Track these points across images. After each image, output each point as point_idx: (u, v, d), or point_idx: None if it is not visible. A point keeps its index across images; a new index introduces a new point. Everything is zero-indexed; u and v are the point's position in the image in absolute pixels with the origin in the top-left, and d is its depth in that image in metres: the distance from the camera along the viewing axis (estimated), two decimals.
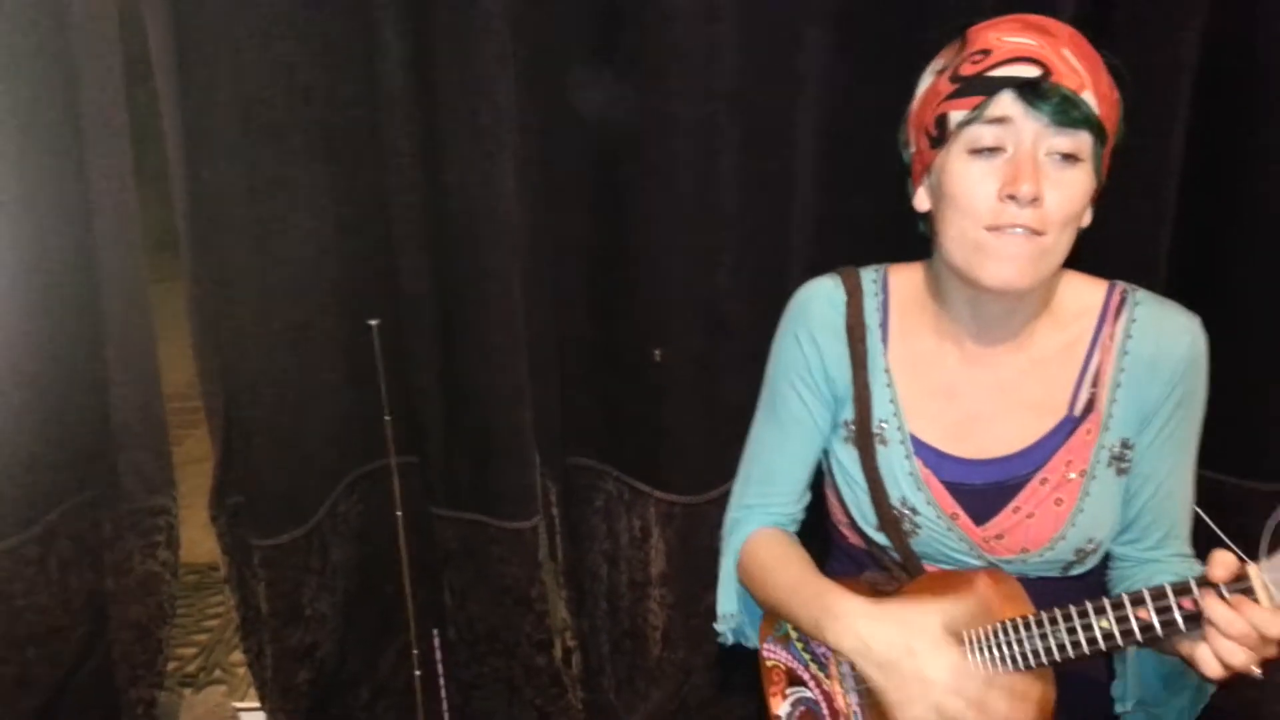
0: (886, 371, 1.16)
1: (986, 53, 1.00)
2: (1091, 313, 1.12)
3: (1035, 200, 0.97)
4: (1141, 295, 1.12)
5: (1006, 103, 0.99)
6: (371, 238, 1.46)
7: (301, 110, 1.37)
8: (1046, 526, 1.11)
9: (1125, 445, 1.11)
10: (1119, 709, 1.14)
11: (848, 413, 1.18)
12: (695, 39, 1.30)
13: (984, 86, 0.99)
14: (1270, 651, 0.91)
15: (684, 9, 1.29)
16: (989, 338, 1.12)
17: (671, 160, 1.36)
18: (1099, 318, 1.12)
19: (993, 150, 1.00)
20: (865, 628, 1.06)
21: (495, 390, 1.47)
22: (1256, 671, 0.91)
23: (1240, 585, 0.90)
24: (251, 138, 1.35)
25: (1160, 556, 1.14)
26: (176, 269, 1.44)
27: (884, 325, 1.17)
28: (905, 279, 1.18)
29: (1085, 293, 1.13)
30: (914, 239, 1.15)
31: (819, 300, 1.19)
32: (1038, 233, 0.99)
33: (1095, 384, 1.11)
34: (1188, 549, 1.14)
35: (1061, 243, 1.01)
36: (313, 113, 1.38)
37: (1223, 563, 0.91)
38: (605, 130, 1.39)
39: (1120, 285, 1.13)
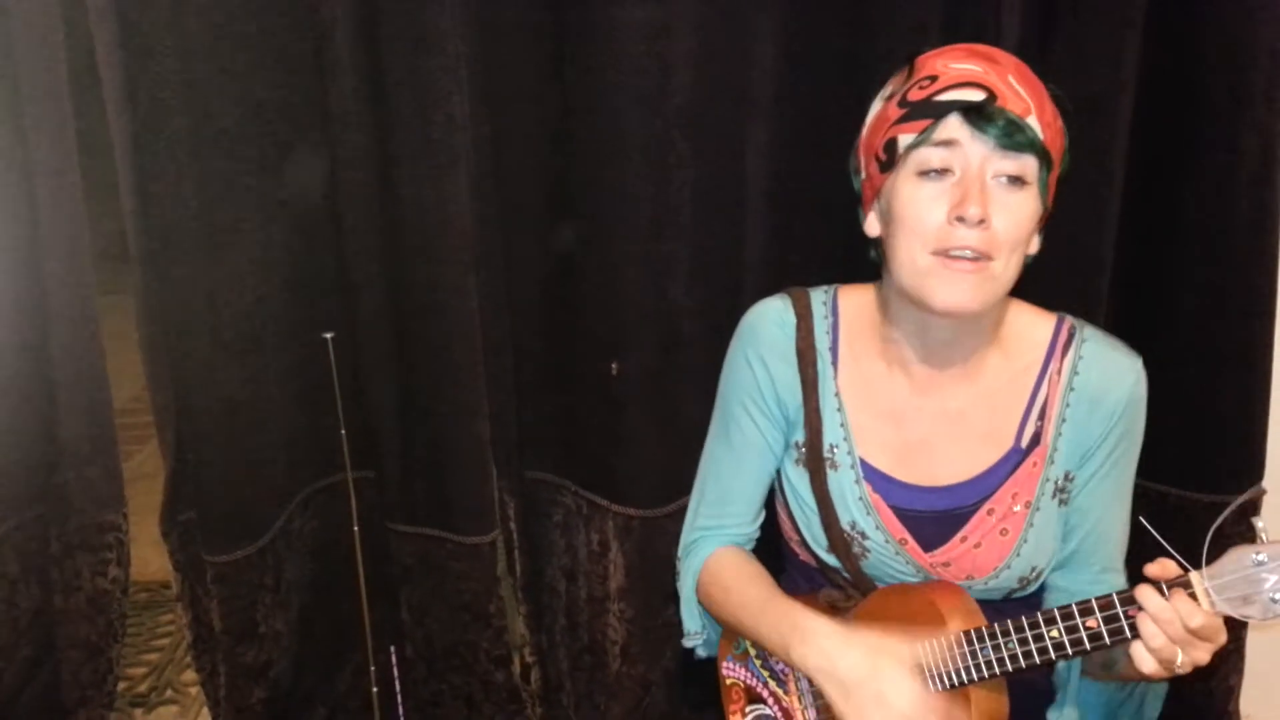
0: (837, 395, 1.17)
1: (934, 78, 1.02)
2: (1040, 346, 1.14)
3: (983, 222, 0.99)
4: (1089, 332, 1.14)
5: (954, 125, 1.00)
6: (325, 251, 1.46)
7: (252, 122, 1.36)
8: (992, 555, 1.13)
9: (1067, 478, 1.14)
10: None
11: (799, 435, 1.18)
12: (647, 55, 1.31)
13: (931, 110, 1.01)
14: (1198, 652, 0.94)
15: (635, 26, 1.29)
16: (937, 363, 1.12)
17: (625, 174, 1.36)
18: (1047, 351, 1.14)
19: (941, 172, 1.01)
20: (832, 648, 1.06)
21: (452, 404, 1.46)
22: (1178, 666, 0.94)
23: (1178, 582, 0.93)
24: (202, 149, 1.34)
25: (1097, 588, 1.14)
26: (126, 281, 1.42)
27: (834, 349, 1.18)
28: (855, 301, 1.19)
29: (1034, 325, 1.15)
30: (866, 254, 1.16)
31: (768, 323, 1.19)
32: (986, 256, 1.00)
33: (1042, 417, 1.13)
34: (1123, 581, 1.16)
35: (1010, 268, 1.03)
36: (264, 124, 1.37)
37: (1164, 565, 0.94)
38: (559, 144, 1.39)
39: (1068, 320, 1.15)
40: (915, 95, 1.03)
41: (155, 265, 1.39)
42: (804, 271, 1.28)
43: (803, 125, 1.38)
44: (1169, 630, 0.92)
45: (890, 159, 1.05)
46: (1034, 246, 1.08)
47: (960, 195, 1.00)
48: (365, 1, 1.31)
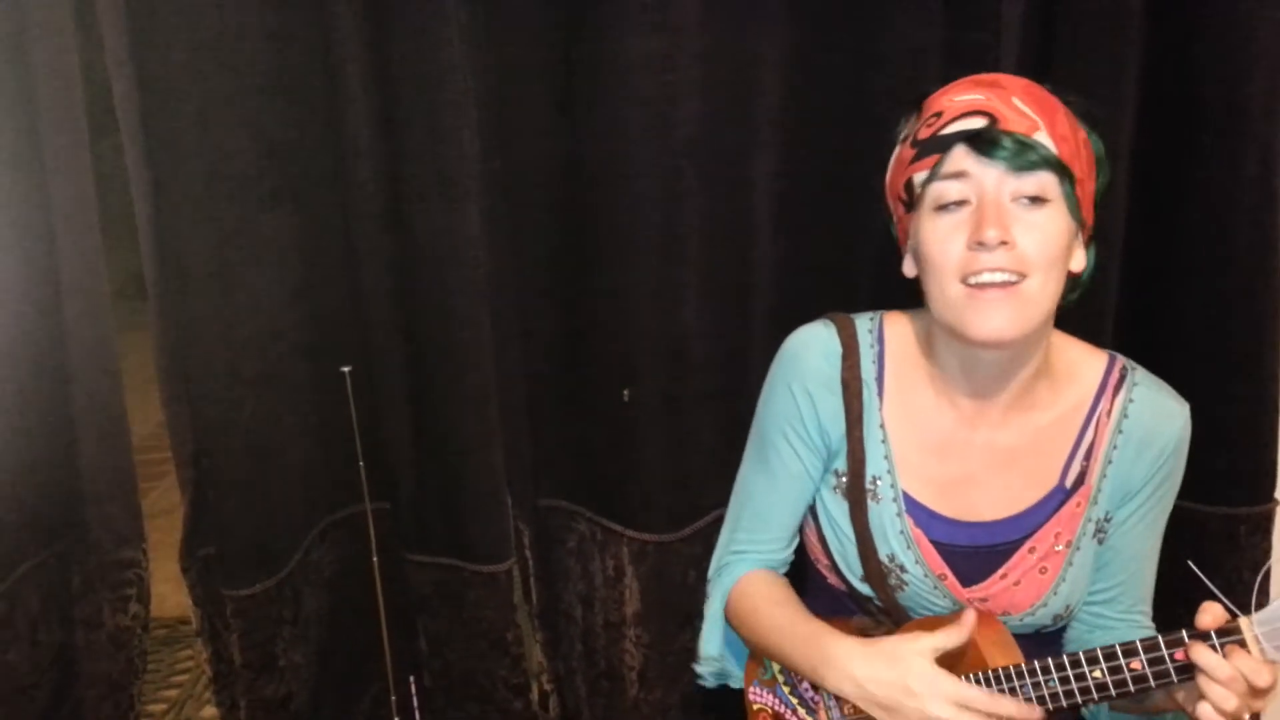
0: (881, 427, 1.14)
1: (939, 115, 1.03)
2: (1090, 385, 1.12)
3: (1005, 244, 0.97)
4: (1140, 375, 1.13)
5: (961, 157, 1.00)
6: (339, 285, 1.47)
7: (267, 161, 1.38)
8: (1030, 593, 1.12)
9: (1106, 519, 1.13)
10: None
11: (840, 464, 1.16)
12: (654, 86, 1.33)
13: (937, 145, 1.01)
14: (1261, 704, 0.92)
15: (641, 58, 1.32)
16: (984, 396, 1.11)
17: (634, 204, 1.38)
18: (1098, 390, 1.12)
19: (958, 204, 1.01)
20: (861, 671, 1.04)
21: (466, 434, 1.47)
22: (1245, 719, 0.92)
23: (1232, 639, 0.91)
24: (217, 188, 1.36)
25: (1126, 625, 1.16)
26: (144, 317, 1.43)
27: (879, 379, 1.15)
28: (901, 330, 1.17)
29: (1085, 362, 1.13)
30: (871, 280, 1.17)
31: (813, 353, 1.16)
32: (1019, 275, 0.98)
33: (1088, 457, 1.12)
34: (1148, 618, 1.17)
35: (1048, 288, 1.01)
36: (279, 163, 1.39)
37: (1212, 612, 0.92)
38: (568, 176, 1.41)
39: (1120, 359, 1.14)
40: (924, 134, 1.03)
41: (172, 302, 1.41)
42: (813, 295, 1.29)
43: (808, 151, 1.40)
44: (1235, 689, 0.90)
45: (910, 199, 1.05)
46: (1079, 263, 1.06)
47: (977, 220, 0.99)
48: (376, 41, 1.34)
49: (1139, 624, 1.16)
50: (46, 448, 1.45)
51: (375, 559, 1.51)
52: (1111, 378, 1.13)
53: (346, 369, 1.44)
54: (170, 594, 1.84)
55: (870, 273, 1.38)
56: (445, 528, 1.54)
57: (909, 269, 1.10)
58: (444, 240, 1.39)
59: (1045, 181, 0.99)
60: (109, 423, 1.48)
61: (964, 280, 1.00)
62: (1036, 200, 0.99)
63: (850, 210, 1.38)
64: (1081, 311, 1.32)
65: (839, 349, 1.15)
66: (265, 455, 1.47)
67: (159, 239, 1.38)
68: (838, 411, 1.15)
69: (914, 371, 1.15)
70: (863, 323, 1.17)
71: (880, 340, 1.16)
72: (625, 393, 1.47)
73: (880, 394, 1.15)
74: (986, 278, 0.99)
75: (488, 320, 1.43)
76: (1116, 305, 1.42)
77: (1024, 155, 0.98)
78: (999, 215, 0.98)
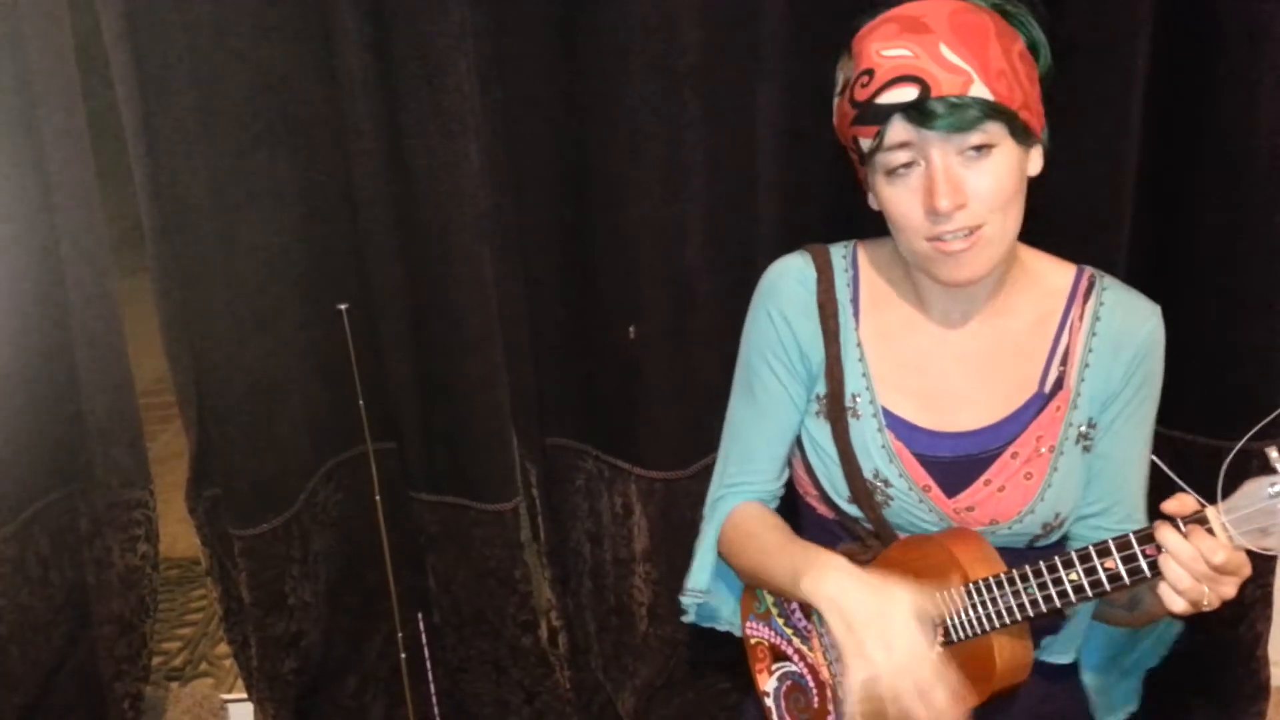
0: (858, 346, 1.17)
1: (871, 73, 1.02)
2: (1060, 293, 1.15)
3: (959, 206, 1.00)
4: (1108, 281, 1.16)
5: (899, 128, 1.01)
6: (338, 224, 1.46)
7: (261, 98, 1.36)
8: (1016, 499, 1.14)
9: (1090, 424, 1.15)
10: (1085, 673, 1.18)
11: (820, 387, 1.19)
12: (654, 14, 1.29)
13: (874, 115, 1.02)
14: (1224, 587, 0.94)
15: None
16: (959, 312, 1.15)
17: (635, 137, 1.35)
18: (1068, 298, 1.15)
19: (907, 166, 1.03)
20: (843, 582, 1.06)
21: (470, 373, 1.47)
22: (1207, 604, 0.94)
23: (1196, 517, 0.93)
24: (211, 125, 1.34)
25: (1118, 533, 1.15)
26: (145, 262, 1.42)
27: (854, 300, 1.19)
28: (875, 253, 1.20)
29: (1054, 272, 1.17)
30: (877, 213, 1.15)
31: (789, 278, 1.19)
32: (978, 225, 1.02)
33: (1064, 363, 1.14)
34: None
35: (1008, 224, 1.05)
36: (272, 100, 1.37)
37: (1180, 500, 0.94)
38: (569, 108, 1.38)
39: (1088, 270, 1.17)
40: (860, 94, 1.03)
41: (170, 243, 1.40)
42: (818, 230, 1.27)
43: (814, 82, 1.36)
44: (1193, 569, 0.92)
45: (860, 156, 1.07)
46: (1035, 168, 1.08)
47: (928, 188, 1.01)
48: None
49: None
50: (51, 392, 1.46)
51: (378, 498, 1.52)
52: (1081, 285, 1.16)
53: (343, 306, 1.43)
54: (183, 534, 1.86)
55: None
56: (451, 467, 1.54)
57: (873, 203, 1.12)
58: (443, 176, 1.37)
59: (989, 130, 1.01)
60: (112, 365, 1.48)
61: (926, 238, 1.04)
62: (982, 148, 1.01)
63: None
64: (1095, 245, 1.30)
65: (814, 274, 1.19)
66: (268, 396, 1.47)
67: (155, 180, 1.36)
68: (815, 334, 1.18)
69: (888, 292, 1.18)
70: (837, 250, 1.21)
71: (854, 265, 1.20)
72: (631, 330, 1.46)
73: (856, 315, 1.18)
74: (948, 237, 1.03)
75: (489, 257, 1.42)
76: (1129, 238, 1.39)
77: (962, 115, 0.99)
78: (949, 182, 1.00)
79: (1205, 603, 0.94)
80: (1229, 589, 0.94)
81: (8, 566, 1.46)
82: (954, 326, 1.15)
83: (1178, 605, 0.94)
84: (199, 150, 1.34)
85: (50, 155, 1.36)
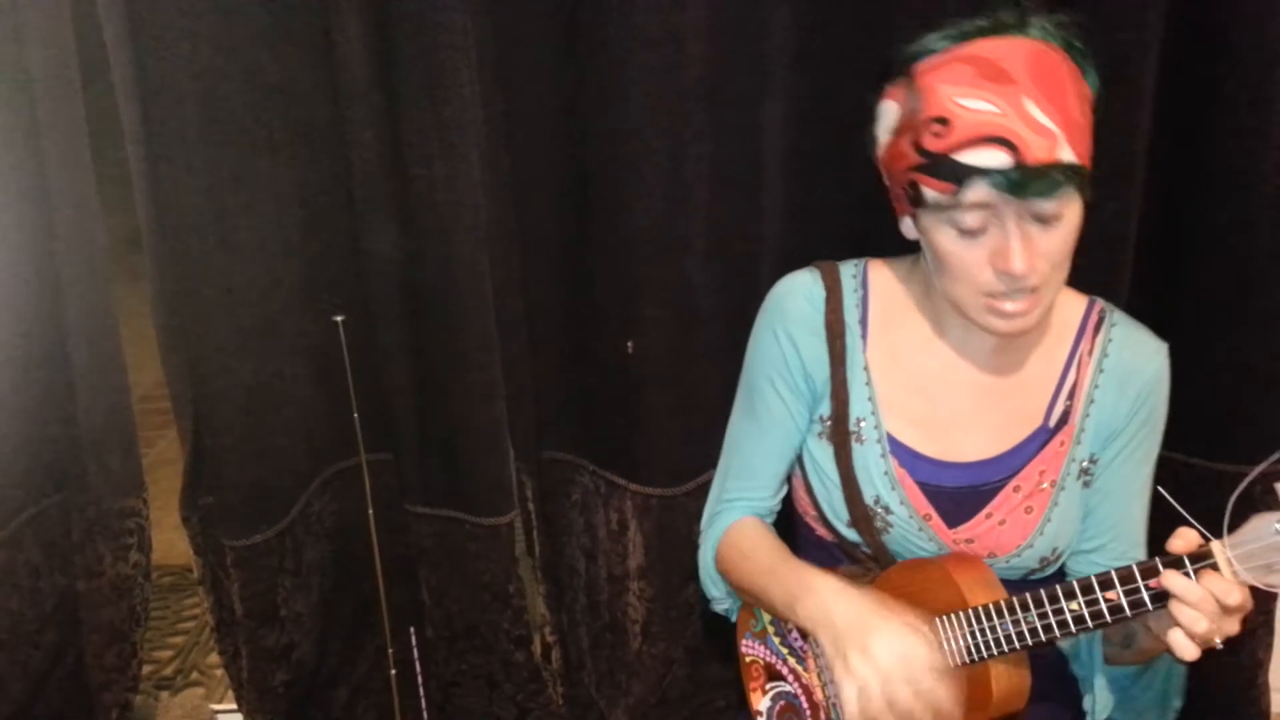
0: (865, 369, 1.16)
1: (945, 123, 0.95)
2: (1071, 325, 1.14)
3: (1028, 273, 0.97)
4: (1118, 316, 1.14)
5: (981, 191, 0.95)
6: (338, 233, 1.45)
7: (262, 105, 1.36)
8: (1016, 534, 1.12)
9: (1092, 460, 1.13)
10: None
11: (824, 409, 1.17)
12: (660, 27, 1.28)
13: (953, 172, 0.95)
14: (1232, 625, 0.92)
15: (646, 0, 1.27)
16: (977, 342, 1.12)
17: (639, 150, 1.34)
18: (1078, 331, 1.13)
19: (977, 229, 0.98)
20: (831, 599, 1.05)
21: (467, 385, 1.46)
22: (1218, 643, 0.92)
23: (1205, 563, 0.91)
24: (211, 134, 1.33)
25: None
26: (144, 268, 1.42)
27: (863, 322, 1.16)
28: (887, 275, 1.17)
29: (1067, 305, 1.14)
30: (884, 229, 1.14)
31: (797, 297, 1.17)
32: (1038, 287, 0.99)
33: (1071, 397, 1.13)
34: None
35: (1060, 280, 1.03)
36: (274, 108, 1.36)
37: (1184, 537, 0.92)
38: (572, 120, 1.38)
39: (1099, 302, 1.15)
40: (932, 144, 0.96)
41: (169, 251, 1.39)
42: (822, 246, 1.26)
43: (819, 96, 1.36)
44: (1206, 609, 0.90)
45: (919, 199, 1.01)
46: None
47: (1003, 253, 0.97)
48: None
49: None
50: (46, 399, 1.46)
51: (370, 511, 1.51)
52: (1091, 319, 1.14)
53: (339, 319, 1.42)
54: (177, 542, 1.85)
55: (882, 223, 1.35)
56: (447, 480, 1.53)
57: (909, 232, 1.08)
58: (443, 187, 1.36)
59: (1065, 197, 0.97)
60: (107, 373, 1.48)
61: (986, 294, 1.01)
62: (1055, 217, 0.97)
63: (862, 157, 1.35)
64: (1101, 263, 1.29)
65: (822, 293, 1.16)
66: (264, 406, 1.46)
67: (154, 187, 1.35)
68: (821, 354, 1.16)
69: (899, 315, 1.16)
70: (847, 268, 1.18)
71: (864, 285, 1.17)
72: (629, 345, 1.45)
73: (864, 337, 1.16)
74: (1006, 297, 1.00)
75: (489, 269, 1.41)
76: (1135, 257, 1.38)
77: (1050, 184, 0.94)
78: (1027, 248, 0.97)
79: (1216, 642, 0.92)
80: (1235, 625, 0.92)
81: None
82: (967, 354, 1.13)
83: (1189, 652, 0.92)
84: (199, 157, 1.34)
85: (50, 161, 1.35)
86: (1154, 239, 1.39)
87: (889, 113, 1.04)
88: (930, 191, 0.99)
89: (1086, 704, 1.15)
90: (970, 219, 0.98)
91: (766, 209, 1.41)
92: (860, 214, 1.30)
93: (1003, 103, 0.94)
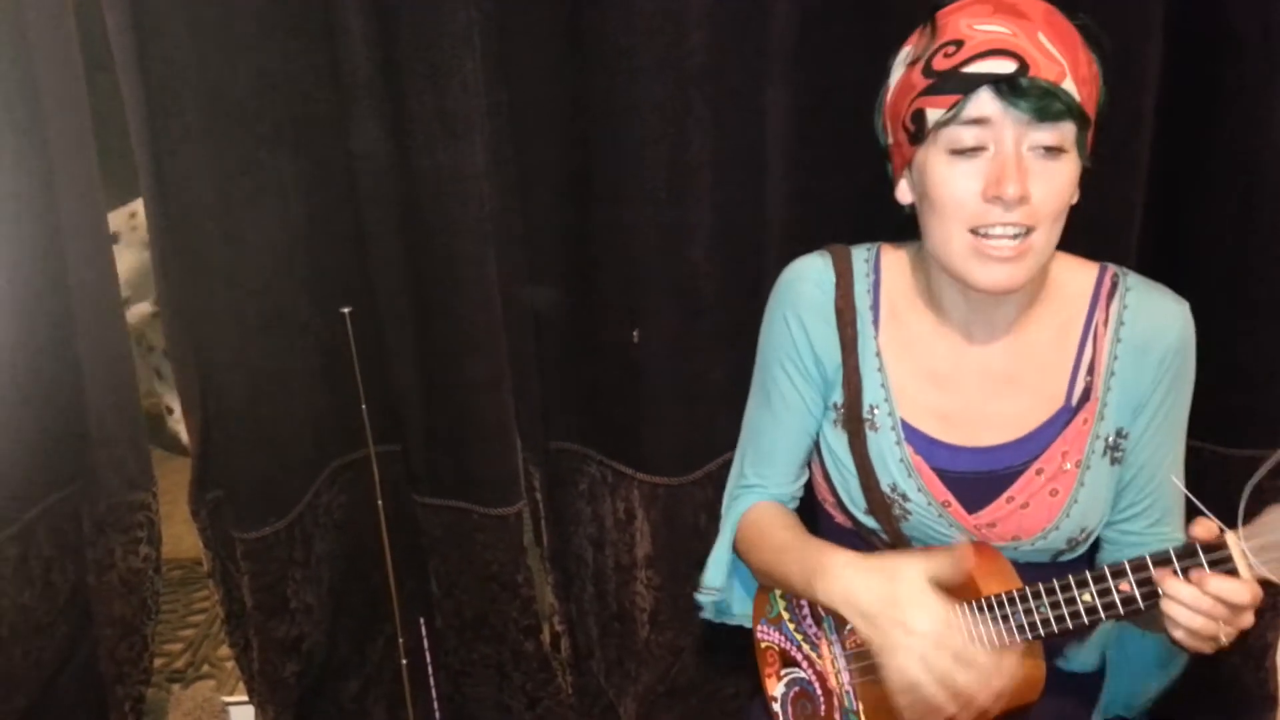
0: (877, 355, 1.14)
1: (959, 44, 0.97)
2: (1083, 297, 1.11)
3: (1022, 199, 0.96)
4: (1132, 279, 1.11)
5: (984, 101, 0.96)
6: (343, 224, 1.45)
7: (266, 98, 1.36)
8: (1040, 516, 1.10)
9: (1120, 435, 1.10)
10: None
11: (837, 395, 1.16)
12: (662, 15, 1.28)
13: (959, 84, 0.96)
14: (1244, 620, 0.91)
15: None
16: (982, 326, 1.10)
17: (643, 138, 1.34)
18: (1090, 302, 1.11)
19: (974, 150, 0.98)
20: (852, 578, 1.04)
21: (474, 376, 1.46)
22: (1225, 641, 0.92)
23: (1218, 554, 0.90)
24: (216, 127, 1.33)
25: (1152, 539, 1.12)
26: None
27: (875, 308, 1.15)
28: (899, 259, 1.16)
29: (1076, 276, 1.12)
30: (888, 216, 1.13)
31: (806, 282, 1.16)
32: (1029, 229, 0.97)
33: (1090, 372, 1.10)
34: (1180, 532, 1.13)
35: (1052, 237, 1.00)
36: (277, 101, 1.36)
37: (1204, 525, 0.91)
38: (575, 109, 1.37)
39: (1111, 268, 1.12)
40: (941, 64, 0.98)
41: (174, 244, 1.39)
42: (827, 232, 1.25)
43: (822, 83, 1.36)
44: (1216, 615, 0.89)
45: (919, 131, 1.01)
46: (1074, 198, 1.04)
47: (996, 173, 0.96)
48: None
49: (1167, 536, 1.13)
50: (54, 392, 1.46)
51: (380, 502, 1.51)
52: (1104, 287, 1.11)
53: (346, 310, 1.42)
54: (187, 535, 1.86)
55: (885, 209, 1.35)
56: (454, 470, 1.53)
57: (903, 195, 1.08)
58: (447, 177, 1.36)
59: (1065, 132, 0.97)
60: (115, 366, 1.48)
61: (973, 230, 0.99)
62: (1052, 150, 0.97)
63: (866, 143, 1.34)
64: (1105, 250, 1.28)
65: (833, 277, 1.15)
66: (272, 398, 1.47)
67: (158, 178, 1.36)
68: (832, 341, 1.14)
69: (911, 301, 1.14)
70: (859, 253, 1.17)
71: (876, 270, 1.16)
72: (635, 334, 1.45)
73: (875, 322, 1.15)
74: (998, 232, 0.98)
75: (493, 259, 1.41)
76: (1139, 243, 1.38)
77: (1051, 106, 0.95)
78: (1020, 170, 0.96)
79: (1223, 639, 0.92)
80: (1248, 620, 0.91)
81: (10, 567, 1.45)
82: (975, 342, 1.11)
83: (1197, 647, 0.92)
84: (203, 151, 1.34)
85: (54, 156, 1.36)
86: (1160, 226, 1.39)
87: (903, 54, 1.06)
88: (933, 111, 0.99)
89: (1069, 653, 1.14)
90: (968, 135, 0.97)
91: (770, 197, 1.41)
92: (865, 201, 1.29)
93: (1016, 28, 0.96)
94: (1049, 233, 1.00)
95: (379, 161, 1.39)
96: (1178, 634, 0.92)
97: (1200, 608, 0.89)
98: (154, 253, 1.41)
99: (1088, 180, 1.04)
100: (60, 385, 1.46)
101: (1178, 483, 1.02)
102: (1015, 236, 0.98)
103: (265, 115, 1.36)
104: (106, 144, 1.39)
